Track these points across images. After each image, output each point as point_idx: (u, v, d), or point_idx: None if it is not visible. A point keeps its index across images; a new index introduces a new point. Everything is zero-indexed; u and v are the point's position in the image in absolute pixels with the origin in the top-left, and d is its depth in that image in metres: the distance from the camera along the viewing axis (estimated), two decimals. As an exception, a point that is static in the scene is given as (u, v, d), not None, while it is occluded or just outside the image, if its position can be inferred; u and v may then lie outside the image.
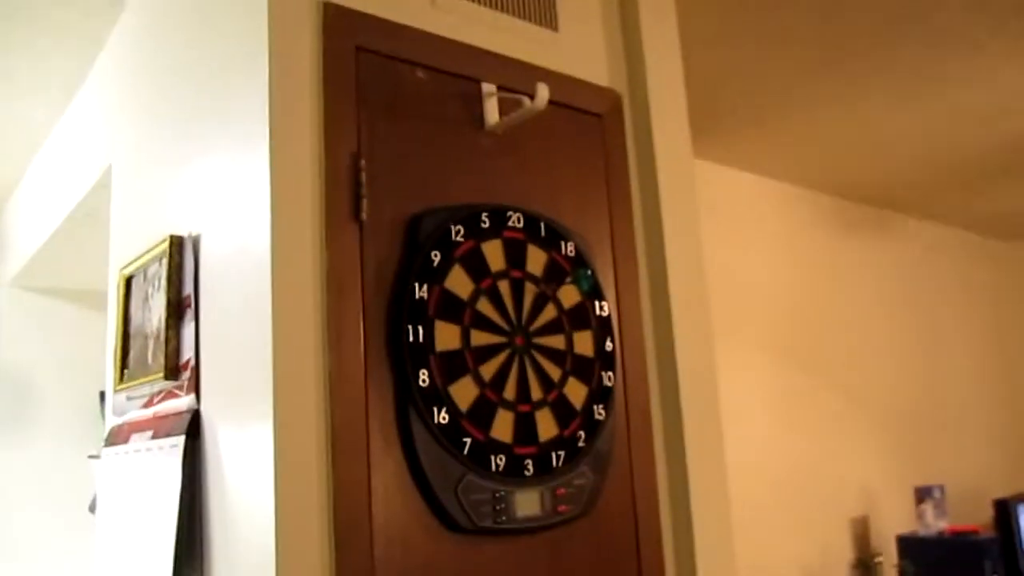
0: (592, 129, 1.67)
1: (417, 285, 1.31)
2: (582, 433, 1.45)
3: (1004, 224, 5.05)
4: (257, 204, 1.26)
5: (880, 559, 3.45)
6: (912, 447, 4.11)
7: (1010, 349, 5.12)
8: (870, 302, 4.15)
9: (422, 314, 1.30)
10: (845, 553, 3.55)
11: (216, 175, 1.43)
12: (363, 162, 1.30)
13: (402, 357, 1.28)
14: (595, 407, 1.48)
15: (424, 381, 1.28)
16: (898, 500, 3.86)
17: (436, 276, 1.33)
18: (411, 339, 1.28)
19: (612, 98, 1.72)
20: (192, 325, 1.43)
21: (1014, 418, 5.01)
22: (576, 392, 1.46)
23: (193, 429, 1.38)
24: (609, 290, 1.58)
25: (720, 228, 3.39)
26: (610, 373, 1.52)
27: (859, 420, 3.86)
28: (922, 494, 3.56)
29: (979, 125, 3.33)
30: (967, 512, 4.02)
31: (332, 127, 1.30)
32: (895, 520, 3.78)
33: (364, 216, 1.29)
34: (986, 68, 2.81)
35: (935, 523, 3.51)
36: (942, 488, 3.61)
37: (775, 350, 3.53)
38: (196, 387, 1.41)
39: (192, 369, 1.42)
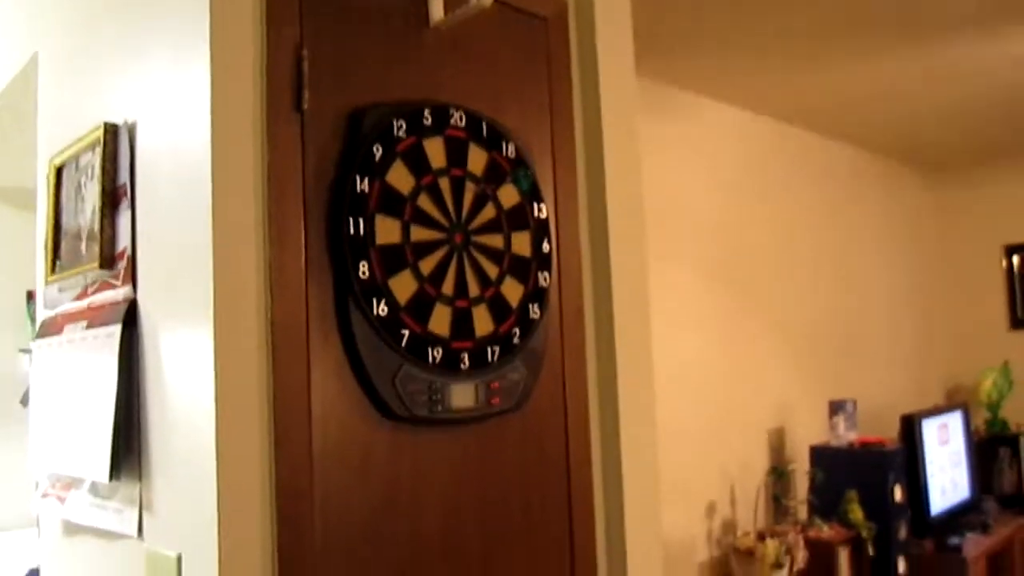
0: (537, 32, 1.67)
1: (358, 178, 1.31)
2: (517, 330, 1.49)
3: (926, 155, 5.21)
4: (196, 92, 1.24)
5: (793, 467, 3.65)
6: (827, 365, 4.31)
7: (920, 276, 5.35)
8: (794, 225, 4.28)
9: (363, 207, 1.31)
10: (762, 461, 3.74)
11: (154, 62, 1.39)
12: (305, 52, 1.29)
13: (342, 250, 1.29)
14: (530, 306, 1.52)
15: (364, 274, 1.30)
16: (813, 414, 4.06)
17: (377, 170, 1.34)
18: (351, 232, 1.29)
19: (558, 1, 1.72)
20: (128, 215, 1.42)
21: (922, 340, 5.27)
22: (512, 291, 1.50)
23: (130, 319, 1.38)
24: (548, 193, 1.61)
25: (653, 146, 3.43)
26: (546, 274, 1.56)
27: (779, 338, 4.02)
28: (835, 407, 3.75)
29: (934, 71, 3.39)
30: (877, 426, 4.26)
31: (274, 16, 1.28)
32: (810, 432, 3.99)
33: (305, 107, 1.28)
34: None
35: (846, 435, 3.71)
36: (854, 403, 3.80)
37: (702, 268, 3.63)
38: (132, 277, 1.40)
39: (128, 259, 1.41)
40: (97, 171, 1.48)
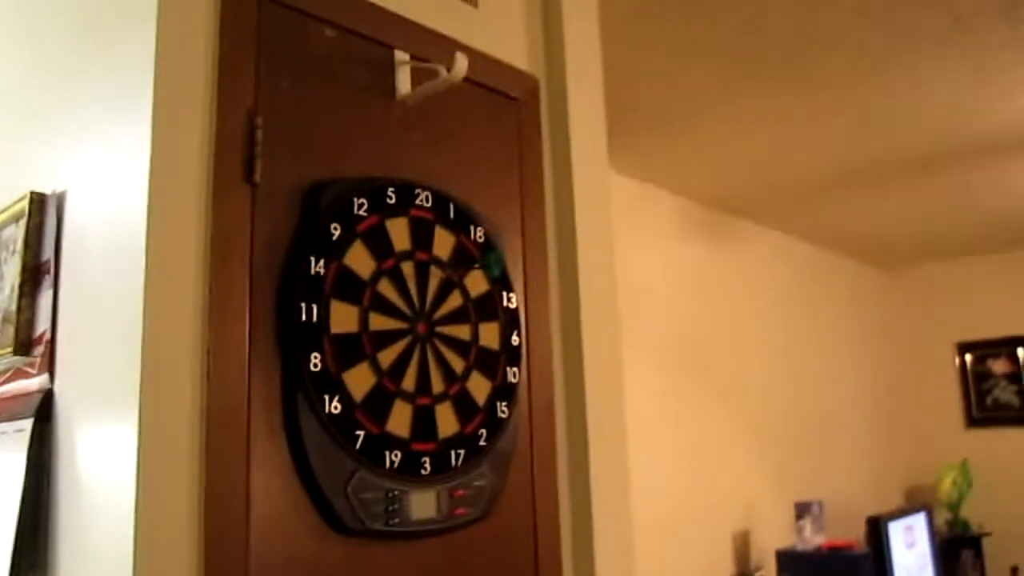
0: (507, 113, 1.59)
1: (313, 259, 1.18)
2: (484, 431, 1.35)
3: (887, 253, 5.26)
4: (135, 158, 1.11)
5: (761, 573, 3.49)
6: (791, 464, 4.20)
7: (879, 374, 5.33)
8: (756, 322, 4.23)
9: (317, 291, 1.18)
10: (727, 567, 3.57)
11: (90, 124, 1.26)
12: (259, 119, 1.17)
13: (293, 338, 1.15)
14: (499, 404, 1.38)
15: (316, 365, 1.16)
16: (777, 514, 3.93)
17: (335, 251, 1.21)
18: (304, 318, 1.16)
19: (530, 82, 1.64)
20: (50, 294, 1.26)
21: (881, 439, 5.21)
22: (479, 387, 1.37)
23: (43, 412, 1.21)
24: (517, 281, 1.50)
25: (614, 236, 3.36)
26: (515, 369, 1.43)
27: (742, 436, 3.91)
28: (801, 510, 3.63)
29: (881, 144, 3.39)
30: (841, 528, 4.13)
31: (227, 80, 1.16)
32: (774, 534, 3.84)
33: (257, 179, 1.16)
34: (878, 87, 2.88)
35: (813, 538, 3.58)
36: (820, 504, 3.69)
37: (663, 361, 3.53)
38: (50, 365, 1.24)
39: (47, 344, 1.24)
40: (20, 246, 1.33)
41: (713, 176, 3.61)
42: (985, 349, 5.31)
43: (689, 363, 3.66)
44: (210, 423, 1.07)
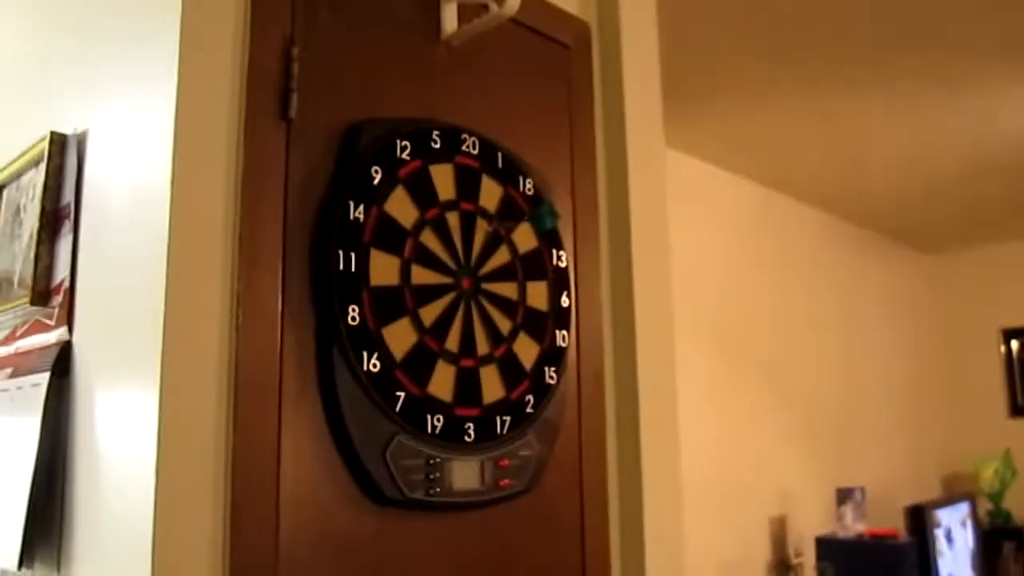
0: (558, 60, 1.48)
1: (352, 204, 1.08)
2: (531, 398, 1.25)
3: (932, 237, 5.09)
4: (160, 93, 1.02)
5: (800, 559, 3.38)
6: (828, 449, 4.07)
7: (918, 359, 5.17)
8: (797, 304, 4.09)
9: (356, 239, 1.08)
10: (763, 552, 3.46)
11: (111, 60, 1.17)
12: (296, 51, 1.07)
13: (329, 289, 1.05)
14: (547, 369, 1.28)
15: (354, 319, 1.06)
16: (815, 501, 3.81)
17: (375, 196, 1.11)
18: (341, 267, 1.06)
19: (581, 28, 1.53)
20: (69, 240, 1.17)
21: (919, 426, 5.06)
22: (527, 350, 1.26)
23: (61, 365, 1.12)
24: (567, 240, 1.39)
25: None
26: (564, 332, 1.33)
27: (779, 420, 3.79)
28: (843, 495, 3.51)
29: (938, 135, 3.28)
30: (878, 515, 4.00)
31: (261, 7, 1.06)
32: (812, 521, 3.72)
33: (292, 115, 1.06)
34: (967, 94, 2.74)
35: (853, 525, 3.45)
36: (863, 490, 3.56)
37: (701, 343, 3.41)
38: (69, 316, 1.15)
39: (65, 293, 1.16)
40: (39, 189, 1.24)
41: (759, 152, 3.47)
42: (1032, 336, 5.14)
43: (728, 345, 3.54)
44: (238, 380, 0.98)
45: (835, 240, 4.51)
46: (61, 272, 1.18)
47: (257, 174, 1.03)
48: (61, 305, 1.17)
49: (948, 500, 4.04)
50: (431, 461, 1.11)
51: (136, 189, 1.05)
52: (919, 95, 2.93)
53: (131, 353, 1.00)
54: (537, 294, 1.30)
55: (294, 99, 1.06)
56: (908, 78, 2.78)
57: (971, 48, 2.57)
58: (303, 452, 1.03)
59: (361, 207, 1.09)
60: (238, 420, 0.97)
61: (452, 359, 1.16)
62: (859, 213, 4.50)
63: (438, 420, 1.12)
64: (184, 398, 0.95)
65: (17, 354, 1.25)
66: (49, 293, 1.19)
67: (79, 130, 1.21)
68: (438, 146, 1.20)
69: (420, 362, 1.12)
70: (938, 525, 3.69)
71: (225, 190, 1.01)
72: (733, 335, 3.59)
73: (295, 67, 1.07)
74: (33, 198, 1.27)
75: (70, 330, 1.14)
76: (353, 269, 1.07)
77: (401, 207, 1.14)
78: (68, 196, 1.20)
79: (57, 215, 1.21)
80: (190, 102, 1.00)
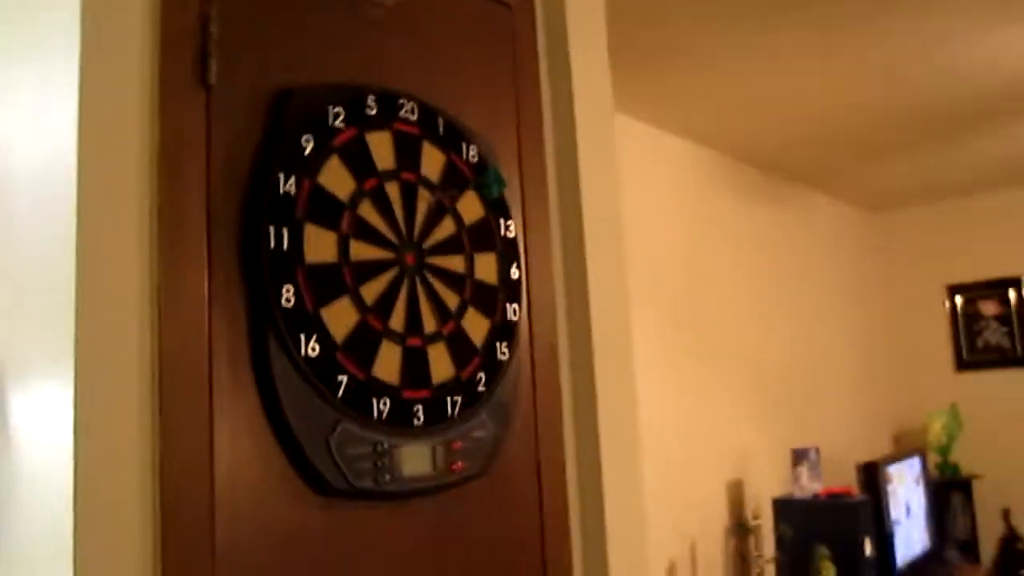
0: (499, 20, 1.40)
1: (282, 176, 1.00)
2: (482, 375, 1.19)
3: (876, 195, 5.13)
4: (61, 56, 0.93)
5: (758, 521, 3.39)
6: (780, 410, 4.10)
7: (866, 318, 5.23)
8: (750, 267, 4.09)
9: (288, 213, 1.00)
10: (721, 516, 3.48)
11: (12, 22, 1.07)
12: (214, 9, 0.98)
13: (260, 268, 0.98)
14: (498, 345, 1.22)
15: (289, 301, 0.98)
16: (770, 463, 3.83)
17: (308, 167, 1.03)
18: (272, 245, 0.98)
19: (523, -15, 1.45)
20: (-27, 226, 1.08)
21: (868, 383, 5.13)
22: (476, 325, 1.20)
23: (-30, 363, 1.03)
24: (515, 209, 1.33)
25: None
26: (515, 305, 1.27)
27: (731, 382, 3.79)
28: (798, 456, 3.53)
29: (880, 90, 3.26)
30: (832, 475, 4.05)
31: (171, -38, 0.97)
32: (769, 484, 3.75)
33: (212, 80, 0.97)
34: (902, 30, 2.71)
35: (809, 485, 3.48)
36: (817, 450, 3.59)
37: (655, 311, 3.38)
38: (-23, 308, 1.06)
39: (-28, 284, 1.06)
40: (-63, 172, 1.13)
41: (704, 114, 3.43)
42: (975, 291, 5.22)
43: (677, 312, 3.52)
44: (163, 372, 0.90)
45: (782, 202, 4.51)
46: (-35, 260, 1.08)
47: (175, 146, 0.94)
48: (-33, 296, 1.07)
49: (898, 456, 4.10)
50: (378, 447, 1.04)
51: (41, 166, 0.96)
52: (862, 45, 2.90)
53: (43, 346, 0.92)
54: (485, 266, 1.24)
55: (214, 63, 0.97)
56: (844, 31, 2.74)
57: None
58: (240, 445, 0.96)
59: (292, 179, 1.01)
60: (164, 414, 0.90)
61: (397, 338, 1.09)
62: (805, 173, 4.51)
63: (384, 404, 1.06)
64: (102, 392, 0.87)
65: (-77, 351, 1.15)
66: (-47, 283, 1.09)
67: (-21, 103, 1.11)
68: (374, 112, 1.12)
69: (363, 343, 1.05)
70: (890, 481, 3.74)
71: (139, 164, 0.93)
72: (683, 301, 3.57)
73: (214, 27, 0.98)
74: (-67, 181, 1.16)
75: (-21, 324, 1.05)
76: (286, 246, 0.99)
77: (336, 178, 1.06)
78: (-30, 177, 1.10)
79: (-41, 198, 1.11)
80: (95, 67, 0.91)
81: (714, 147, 3.90)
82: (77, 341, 0.86)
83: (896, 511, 3.72)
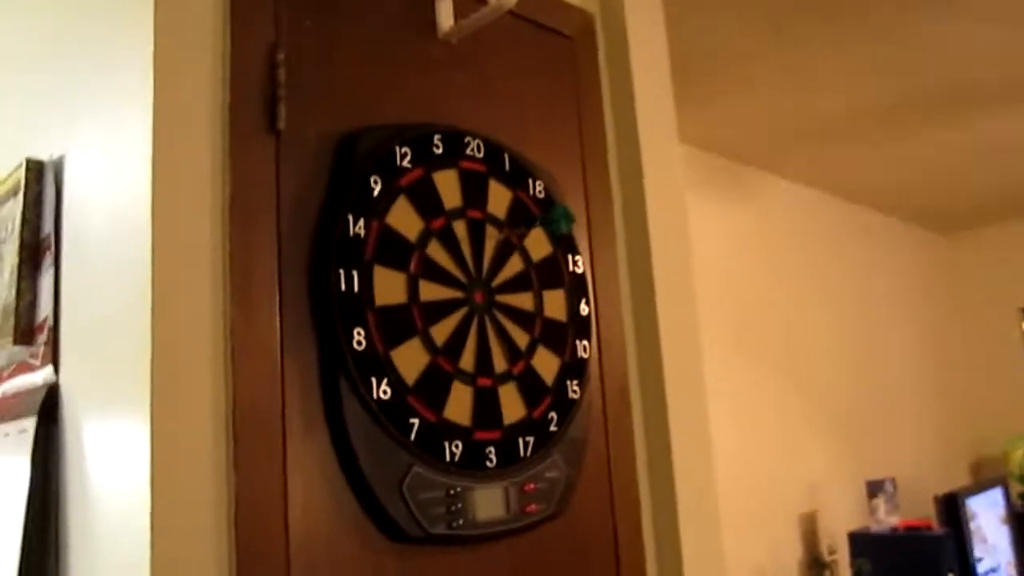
0: (561, 53, 1.39)
1: (351, 219, 1.00)
2: (554, 415, 1.17)
3: (946, 216, 4.99)
4: (135, 108, 0.94)
5: (834, 556, 3.27)
6: (852, 441, 3.97)
7: (938, 343, 5.06)
8: (814, 294, 4.00)
9: (358, 256, 1.00)
10: (795, 551, 3.37)
11: (87, 76, 1.09)
12: (281, 56, 0.99)
13: (330, 312, 0.97)
14: (569, 383, 1.20)
15: (360, 344, 0.98)
16: (843, 494, 3.71)
17: (376, 209, 1.03)
18: (343, 287, 0.97)
19: (584, 18, 1.44)
20: (51, 274, 1.09)
21: (944, 409, 4.95)
22: (547, 364, 1.18)
23: (48, 410, 1.04)
24: (582, 243, 1.31)
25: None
26: (585, 343, 1.24)
27: (803, 413, 3.69)
28: (873, 488, 3.41)
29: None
30: (908, 506, 3.90)
31: (241, 8, 0.98)
32: (843, 515, 3.62)
33: (282, 126, 0.98)
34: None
35: (887, 519, 3.35)
36: (894, 481, 3.46)
37: (722, 341, 3.31)
38: (55, 355, 1.07)
39: (50, 331, 1.08)
40: (18, 221, 1.16)
41: (768, 141, 3.38)
42: (1052, 313, 5.02)
43: (743, 338, 3.45)
44: (237, 417, 0.90)
45: (849, 226, 4.41)
46: (45, 309, 1.10)
47: (246, 192, 0.94)
48: (46, 343, 1.09)
49: (979, 486, 3.93)
50: (451, 492, 1.02)
51: (116, 216, 0.97)
52: (934, 59, 2.83)
53: (119, 393, 0.92)
54: (554, 303, 1.21)
55: (282, 108, 0.98)
56: (912, 41, 2.67)
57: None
58: (313, 491, 0.94)
59: (361, 221, 1.01)
60: (239, 458, 0.89)
61: (468, 379, 1.08)
62: (872, 196, 4.40)
63: (456, 447, 1.04)
64: (177, 437, 0.86)
65: (3, 399, 1.17)
66: (33, 331, 1.11)
67: (56, 156, 1.14)
68: (440, 151, 1.12)
69: (434, 385, 1.04)
70: (973, 515, 3.58)
71: (211, 211, 0.93)
72: (750, 330, 3.49)
73: (281, 73, 0.98)
74: (12, 230, 1.19)
75: (56, 370, 1.06)
76: (356, 289, 0.98)
77: (404, 219, 1.05)
78: (48, 227, 1.12)
79: (37, 248, 1.13)
80: (168, 117, 0.92)
81: (775, 172, 3.83)
82: (153, 388, 0.86)
83: (979, 545, 3.56)
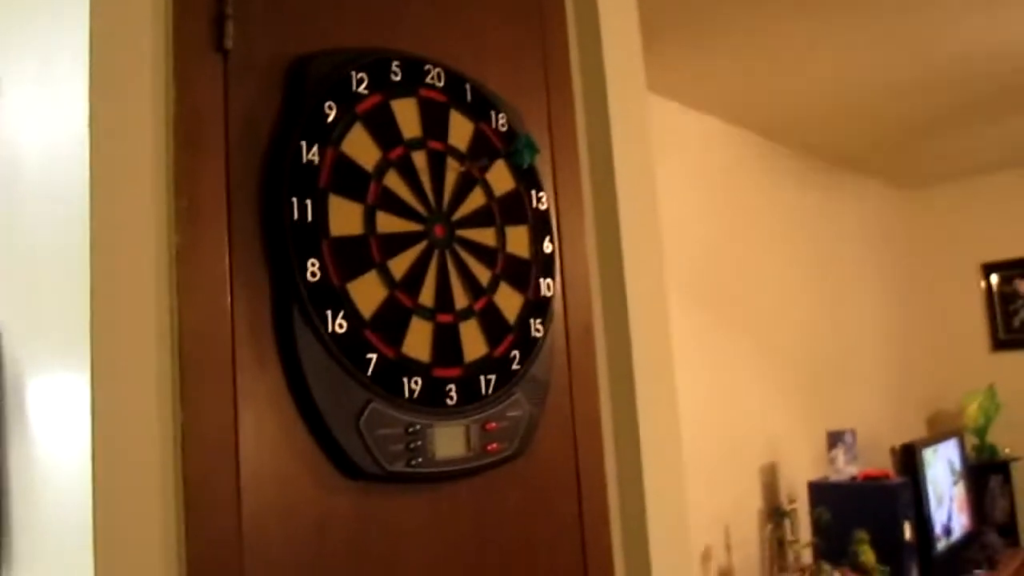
0: (525, -16, 1.34)
1: (304, 145, 0.95)
2: (516, 353, 1.14)
3: (908, 173, 5.02)
4: (69, 25, 0.88)
5: (794, 505, 3.32)
6: (812, 394, 4.02)
7: (897, 298, 5.12)
8: (780, 248, 4.01)
9: (311, 184, 0.95)
10: (756, 501, 3.41)
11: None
12: (228, -30, 0.93)
13: (283, 241, 0.93)
14: (532, 321, 1.17)
15: (314, 275, 0.94)
16: (803, 446, 3.76)
17: (331, 135, 0.98)
18: (296, 217, 0.93)
19: (549, -52, 1.39)
20: (-14, 205, 1.04)
21: (904, 363, 5.03)
22: (509, 301, 1.15)
23: (-15, 346, 0.99)
24: (547, 179, 1.27)
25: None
26: (549, 280, 1.21)
27: (761, 364, 3.71)
28: (833, 439, 3.46)
29: (913, 67, 3.17)
30: (867, 457, 3.97)
31: (183, -79, 0.92)
32: (803, 467, 3.67)
33: (229, 45, 0.92)
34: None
35: (846, 468, 3.41)
36: (853, 432, 3.51)
37: (685, 289, 3.31)
38: (-8, 291, 1.02)
39: (-14, 265, 1.03)
40: (-51, 151, 1.09)
41: (734, 93, 3.35)
42: (1012, 269, 5.10)
43: (707, 291, 3.45)
44: (184, 351, 0.86)
45: (812, 181, 4.42)
46: (-20, 241, 1.04)
47: (191, 114, 0.89)
48: (-18, 279, 1.03)
49: (936, 438, 4.01)
50: (410, 429, 0.99)
51: (51, 145, 0.92)
52: (895, 28, 2.82)
53: (57, 329, 0.88)
54: (517, 240, 1.18)
55: (230, 26, 0.92)
56: (881, 8, 2.66)
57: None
58: (265, 427, 0.91)
59: (315, 148, 0.96)
60: (186, 396, 0.85)
61: (428, 315, 1.04)
62: (836, 152, 4.41)
63: (416, 383, 1.01)
64: (120, 376, 0.82)
65: (-61, 336, 1.12)
66: (-32, 266, 1.06)
67: (-10, 77, 1.07)
68: (399, 78, 1.07)
69: (392, 320, 1.00)
70: (928, 464, 3.65)
71: (154, 135, 0.88)
72: (712, 282, 3.50)
73: (229, -10, 0.93)
74: (-55, 161, 1.13)
75: (-6, 307, 1.01)
76: (310, 218, 0.94)
77: (361, 147, 1.01)
78: (-18, 155, 1.06)
79: (-29, 177, 1.07)
80: (107, 34, 0.86)
81: (744, 125, 3.82)
82: (93, 324, 0.81)
83: (934, 494, 3.64)
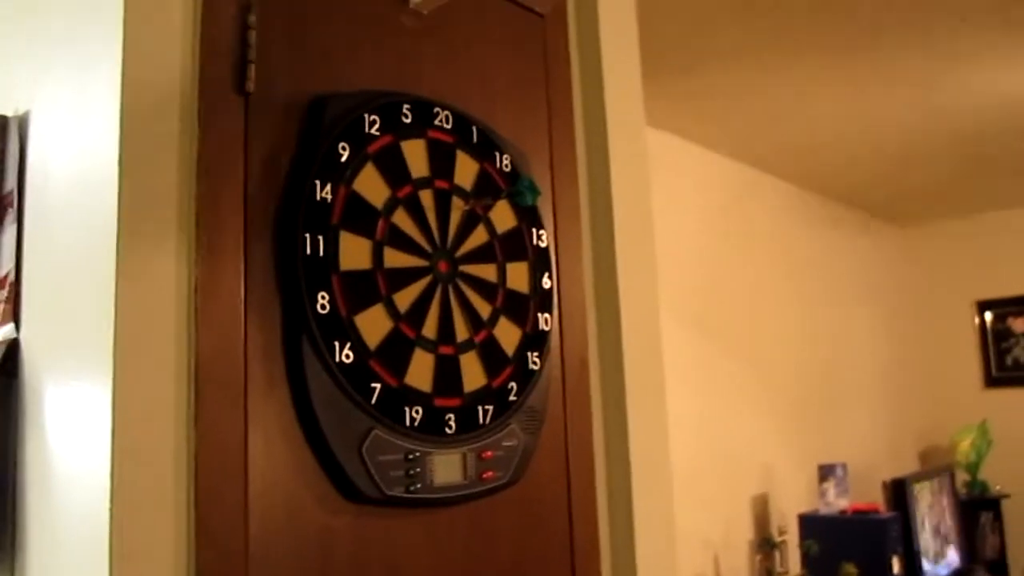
0: (532, 31, 1.40)
1: (318, 183, 1.01)
2: (514, 385, 1.19)
3: (905, 210, 5.09)
4: (104, 66, 0.94)
5: (784, 537, 3.36)
6: (805, 426, 4.06)
7: (893, 334, 5.17)
8: (775, 280, 4.06)
9: (324, 220, 1.01)
10: (747, 531, 3.44)
11: (55, 33, 1.08)
12: (253, 18, 0.99)
13: (295, 274, 0.98)
14: (530, 354, 1.22)
15: (324, 307, 0.99)
16: (795, 478, 3.79)
17: (343, 174, 1.04)
18: (308, 251, 0.99)
19: (556, -4, 1.46)
20: (14, 229, 1.09)
21: (897, 398, 5.07)
22: (508, 334, 1.20)
23: (8, 365, 1.04)
24: (547, 218, 1.33)
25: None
26: (547, 315, 1.26)
27: (760, 397, 3.76)
28: (825, 472, 3.49)
29: (912, 108, 3.25)
30: (858, 490, 4.00)
31: (212, -29, 0.98)
32: (794, 498, 3.71)
33: (251, 88, 0.98)
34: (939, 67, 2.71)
35: (836, 502, 3.44)
36: (844, 466, 3.55)
37: (683, 322, 3.37)
38: (15, 311, 1.07)
39: (11, 286, 1.08)
40: (-21, 176, 1.15)
41: (736, 128, 3.43)
42: (1005, 307, 5.16)
43: (703, 323, 3.50)
44: (199, 374, 0.91)
45: (811, 215, 4.49)
46: (6, 264, 1.10)
47: (214, 152, 0.95)
48: (6, 300, 1.08)
49: (927, 473, 4.05)
50: (410, 456, 1.04)
51: (82, 172, 0.97)
52: (894, 70, 2.89)
53: (81, 349, 0.93)
54: (518, 276, 1.23)
55: (252, 70, 0.98)
56: (881, 51, 2.74)
57: (948, 19, 2.53)
58: (273, 449, 0.96)
59: (328, 186, 1.02)
60: (200, 416, 0.90)
61: (430, 346, 1.09)
62: (834, 188, 4.48)
63: (417, 412, 1.06)
64: (139, 395, 0.87)
65: (-38, 353, 1.17)
66: (-7, 287, 1.11)
67: (20, 111, 1.13)
68: (409, 120, 1.13)
69: (396, 351, 1.05)
70: (918, 499, 3.69)
71: (179, 171, 0.93)
72: (711, 313, 3.55)
73: (252, 35, 0.99)
74: (-26, 185, 1.18)
75: (17, 326, 1.06)
76: (321, 253, 0.99)
77: (371, 185, 1.06)
78: (11, 183, 1.12)
79: (0, 203, 1.13)
80: (137, 75, 0.92)
81: (744, 161, 3.89)
82: (115, 344, 0.86)
83: (924, 529, 3.67)
